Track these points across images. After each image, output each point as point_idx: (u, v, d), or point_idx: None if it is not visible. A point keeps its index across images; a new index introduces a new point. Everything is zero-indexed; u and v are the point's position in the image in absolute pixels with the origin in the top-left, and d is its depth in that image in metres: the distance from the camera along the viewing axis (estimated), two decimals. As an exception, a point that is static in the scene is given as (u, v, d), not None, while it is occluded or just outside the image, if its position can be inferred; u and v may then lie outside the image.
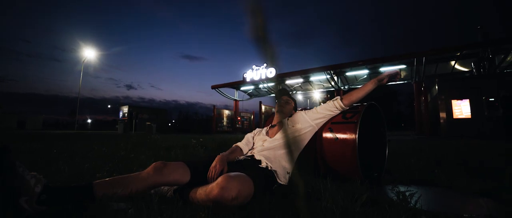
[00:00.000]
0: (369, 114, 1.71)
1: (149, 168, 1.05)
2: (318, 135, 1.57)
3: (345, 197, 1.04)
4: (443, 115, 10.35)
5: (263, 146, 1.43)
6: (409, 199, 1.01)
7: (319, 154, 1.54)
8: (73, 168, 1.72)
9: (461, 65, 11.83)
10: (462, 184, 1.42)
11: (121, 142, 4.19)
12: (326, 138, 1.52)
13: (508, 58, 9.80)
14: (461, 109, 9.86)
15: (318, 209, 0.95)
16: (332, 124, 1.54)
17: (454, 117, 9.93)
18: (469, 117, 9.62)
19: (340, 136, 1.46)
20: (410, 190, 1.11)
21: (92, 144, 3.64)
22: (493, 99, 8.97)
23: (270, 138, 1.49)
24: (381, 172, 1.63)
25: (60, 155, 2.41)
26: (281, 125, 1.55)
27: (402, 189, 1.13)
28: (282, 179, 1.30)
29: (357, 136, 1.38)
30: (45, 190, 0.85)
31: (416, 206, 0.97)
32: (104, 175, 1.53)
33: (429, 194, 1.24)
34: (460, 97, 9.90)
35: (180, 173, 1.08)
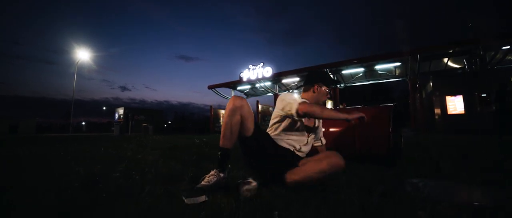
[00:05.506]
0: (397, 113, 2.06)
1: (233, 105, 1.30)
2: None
3: (361, 190, 1.10)
4: (437, 111, 10.57)
5: (309, 143, 1.46)
6: (421, 190, 1.07)
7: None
8: (87, 169, 1.73)
9: (453, 62, 12.06)
10: (466, 176, 1.49)
11: (123, 144, 4.18)
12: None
13: (498, 56, 10.05)
14: (455, 104, 10.08)
15: (339, 201, 1.00)
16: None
17: (449, 112, 10.15)
18: (463, 112, 9.84)
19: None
20: (421, 181, 1.17)
21: (96, 146, 3.63)
22: (485, 95, 9.20)
23: (310, 135, 1.48)
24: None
25: (66, 157, 2.41)
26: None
27: (414, 181, 1.19)
28: None
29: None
30: None
31: (429, 196, 1.02)
32: (119, 175, 1.55)
33: (437, 185, 1.30)
34: (454, 94, 10.12)
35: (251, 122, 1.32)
